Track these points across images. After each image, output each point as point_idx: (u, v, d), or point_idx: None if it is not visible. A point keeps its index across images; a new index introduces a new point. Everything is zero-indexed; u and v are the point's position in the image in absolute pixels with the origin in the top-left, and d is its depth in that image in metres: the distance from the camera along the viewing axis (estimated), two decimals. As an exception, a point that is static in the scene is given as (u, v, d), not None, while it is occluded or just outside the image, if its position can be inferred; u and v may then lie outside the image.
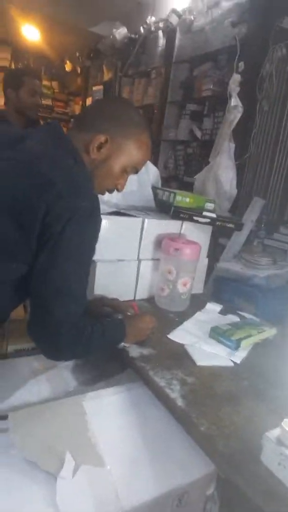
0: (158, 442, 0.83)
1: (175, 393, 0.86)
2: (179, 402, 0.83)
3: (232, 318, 1.33)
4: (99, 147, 0.92)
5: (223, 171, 2.20)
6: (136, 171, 1.02)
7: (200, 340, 1.11)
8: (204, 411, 0.81)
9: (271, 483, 0.64)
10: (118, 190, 1.02)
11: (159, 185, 1.65)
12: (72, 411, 0.87)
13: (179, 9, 2.89)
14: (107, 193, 1.03)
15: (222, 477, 0.77)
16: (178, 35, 3.01)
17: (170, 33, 3.05)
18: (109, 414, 0.88)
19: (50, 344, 0.84)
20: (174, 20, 2.91)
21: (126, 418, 0.88)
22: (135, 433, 0.85)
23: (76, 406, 0.88)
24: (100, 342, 0.92)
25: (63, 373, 1.06)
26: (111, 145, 0.93)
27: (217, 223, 1.47)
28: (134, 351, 1.02)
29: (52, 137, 0.90)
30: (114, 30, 3.54)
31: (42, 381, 1.02)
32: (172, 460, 0.80)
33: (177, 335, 1.14)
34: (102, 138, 0.92)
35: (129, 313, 1.14)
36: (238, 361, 1.03)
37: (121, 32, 3.53)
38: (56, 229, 0.77)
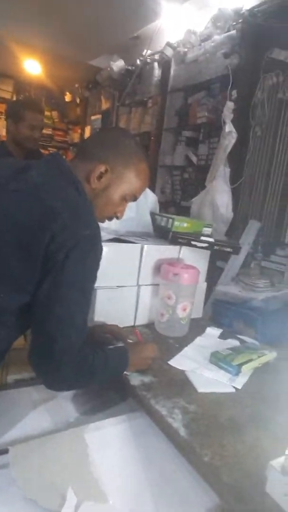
0: (161, 475, 0.82)
1: (177, 423, 0.84)
2: (182, 432, 0.81)
3: (232, 342, 1.33)
4: (100, 177, 0.95)
5: (219, 195, 2.24)
6: (135, 198, 1.05)
7: (201, 366, 1.11)
8: (207, 441, 0.79)
9: (277, 516, 0.62)
10: (117, 218, 1.05)
11: (157, 211, 1.68)
12: (74, 444, 0.85)
13: (173, 42, 3.02)
14: (106, 220, 1.05)
15: (227, 510, 0.75)
16: (173, 66, 3.13)
17: (165, 64, 3.17)
18: (111, 446, 0.87)
19: (52, 374, 0.83)
20: (169, 52, 3.04)
21: (128, 450, 0.86)
22: (138, 465, 0.83)
23: (78, 438, 0.86)
24: (103, 371, 0.91)
25: (63, 404, 1.05)
26: (111, 174, 0.96)
27: (215, 247, 1.49)
28: (135, 379, 1.01)
29: (54, 168, 0.92)
30: (111, 62, 3.68)
31: (42, 412, 1.01)
32: (175, 493, 0.78)
33: (178, 361, 1.13)
34: (102, 168, 0.94)
35: (130, 340, 1.13)
36: (240, 387, 1.02)
37: (118, 64, 3.67)
38: (59, 257, 0.78)
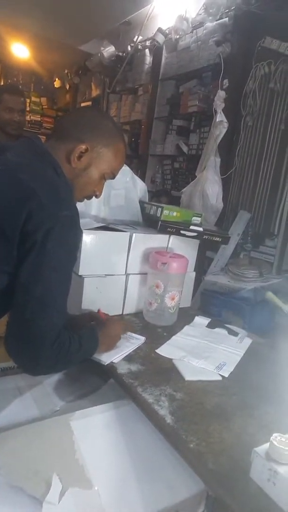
0: (146, 461, 0.82)
1: (163, 410, 0.84)
2: (168, 419, 0.82)
3: (220, 331, 1.34)
4: (80, 156, 0.94)
5: (209, 185, 2.23)
6: (113, 176, 1.05)
7: (189, 355, 1.11)
8: (194, 428, 0.80)
9: (261, 501, 0.63)
10: (96, 197, 1.04)
11: (147, 200, 1.67)
12: (59, 431, 0.85)
13: (165, 28, 2.96)
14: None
15: (212, 496, 0.76)
16: (164, 53, 3.08)
17: (156, 51, 3.12)
18: (97, 433, 0.86)
19: (31, 357, 0.81)
20: (160, 39, 2.98)
21: (114, 437, 0.86)
22: (124, 452, 0.83)
23: (63, 425, 0.86)
24: (78, 353, 0.90)
25: (50, 391, 1.04)
26: (91, 153, 0.96)
27: (204, 236, 1.49)
28: (122, 367, 1.01)
29: (31, 150, 0.91)
30: (102, 48, 3.60)
31: (28, 400, 1.00)
32: (161, 479, 0.79)
33: (165, 350, 1.13)
34: (82, 147, 0.94)
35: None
36: (226, 375, 1.03)
37: (109, 50, 3.60)
38: (38, 238, 0.77)
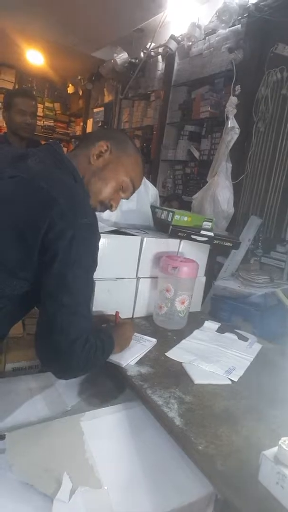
0: (155, 463, 0.83)
1: (173, 412, 0.85)
2: (177, 422, 0.82)
3: (230, 336, 1.34)
4: (99, 155, 0.98)
5: (220, 191, 2.24)
6: (132, 189, 1.06)
7: (198, 359, 1.11)
8: (203, 431, 0.80)
9: (269, 504, 0.63)
10: (111, 209, 1.05)
11: (158, 204, 1.68)
12: (70, 431, 0.86)
13: (178, 35, 3.00)
14: (106, 212, 1.06)
15: (220, 498, 0.76)
16: (176, 60, 3.11)
17: (169, 58, 3.15)
18: (107, 434, 0.88)
19: (63, 363, 0.83)
20: (173, 45, 3.02)
21: (124, 438, 0.87)
22: (133, 453, 0.84)
23: (74, 426, 0.87)
24: (103, 357, 0.92)
25: (61, 392, 1.06)
26: (111, 155, 0.99)
27: (215, 241, 1.49)
28: (132, 369, 1.02)
29: (51, 157, 0.93)
30: (115, 55, 3.66)
31: (39, 400, 1.02)
32: (170, 481, 0.80)
33: (175, 353, 1.14)
34: (104, 146, 0.98)
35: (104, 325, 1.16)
36: (236, 379, 1.03)
37: (122, 56, 3.65)
38: (60, 247, 0.78)
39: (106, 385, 1.12)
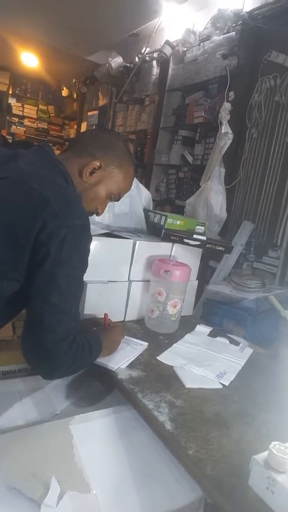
0: (145, 467, 0.82)
1: (163, 416, 0.85)
2: (168, 426, 0.82)
3: (222, 340, 1.34)
4: (92, 172, 0.98)
5: (213, 195, 2.25)
6: (118, 198, 1.08)
7: (190, 363, 1.11)
8: (193, 435, 0.80)
9: (259, 509, 0.63)
10: (97, 215, 1.07)
11: (151, 208, 1.68)
12: (59, 435, 0.85)
13: (173, 41, 3.02)
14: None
15: (210, 503, 0.76)
16: (171, 65, 3.14)
17: (163, 63, 3.18)
18: (96, 437, 0.87)
19: (49, 362, 0.83)
20: (167, 51, 3.04)
21: (114, 442, 0.86)
22: (123, 457, 0.83)
23: (63, 429, 0.86)
24: (89, 358, 0.92)
25: (50, 396, 1.04)
26: (103, 172, 0.99)
27: (207, 245, 1.50)
28: (123, 373, 1.01)
29: (42, 158, 0.92)
30: (110, 59, 3.67)
31: (28, 403, 1.00)
32: (160, 485, 0.79)
33: (166, 357, 1.14)
34: (97, 164, 0.97)
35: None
36: (227, 384, 1.03)
37: (116, 61, 3.67)
38: (52, 247, 0.78)
39: (95, 387, 1.11)
